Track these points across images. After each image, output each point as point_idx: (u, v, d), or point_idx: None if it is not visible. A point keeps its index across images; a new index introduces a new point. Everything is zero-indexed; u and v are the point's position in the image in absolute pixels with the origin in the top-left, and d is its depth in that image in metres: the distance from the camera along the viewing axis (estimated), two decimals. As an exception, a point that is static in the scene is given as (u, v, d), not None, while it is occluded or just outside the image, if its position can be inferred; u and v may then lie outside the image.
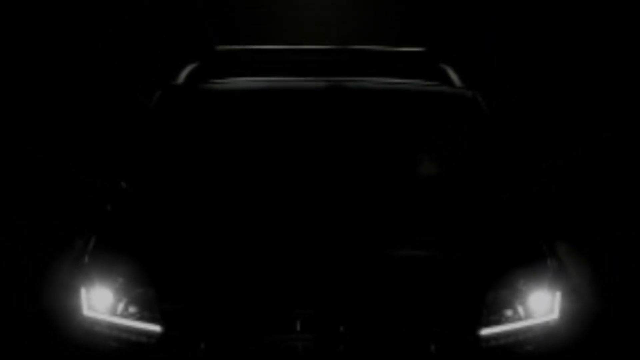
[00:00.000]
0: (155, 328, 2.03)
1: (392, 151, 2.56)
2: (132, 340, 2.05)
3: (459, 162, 2.60)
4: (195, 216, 2.29)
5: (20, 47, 5.76)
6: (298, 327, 2.00)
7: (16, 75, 5.69)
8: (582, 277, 2.20)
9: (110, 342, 2.07)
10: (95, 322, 2.06)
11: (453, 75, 2.58)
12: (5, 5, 5.77)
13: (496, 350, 2.06)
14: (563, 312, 2.17)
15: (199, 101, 2.72)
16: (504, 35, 2.90)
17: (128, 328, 2.05)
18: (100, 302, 2.06)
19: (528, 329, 2.12)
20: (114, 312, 2.05)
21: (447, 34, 2.66)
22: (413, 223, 2.21)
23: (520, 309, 2.11)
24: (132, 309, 2.06)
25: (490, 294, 2.07)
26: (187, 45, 2.24)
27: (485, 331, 2.06)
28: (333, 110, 2.16)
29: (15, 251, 2.08)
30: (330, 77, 2.11)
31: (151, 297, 2.03)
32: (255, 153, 2.55)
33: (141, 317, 2.05)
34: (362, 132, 2.57)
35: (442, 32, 2.69)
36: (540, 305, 2.14)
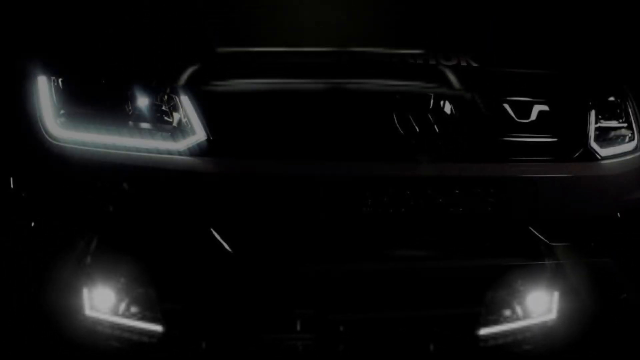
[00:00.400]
0: (157, 328, 2.05)
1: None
2: (133, 340, 2.07)
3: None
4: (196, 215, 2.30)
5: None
6: (298, 327, 2.02)
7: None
8: (581, 277, 2.21)
9: (112, 341, 2.09)
10: (97, 322, 2.08)
11: (452, 77, 2.58)
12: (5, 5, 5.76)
13: (494, 350, 2.08)
14: (561, 312, 2.20)
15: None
16: (504, 36, 2.92)
17: (130, 328, 2.07)
18: (102, 302, 2.08)
19: (526, 329, 2.14)
20: (115, 312, 2.07)
21: (446, 34, 2.67)
22: (412, 224, 2.23)
23: (518, 309, 2.14)
24: (133, 309, 2.07)
25: (488, 294, 2.10)
26: (187, 45, 2.25)
27: (484, 331, 2.08)
28: (335, 111, 2.18)
29: (15, 251, 2.08)
30: (332, 79, 2.13)
31: (152, 297, 2.04)
32: None
33: (142, 317, 2.07)
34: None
35: (441, 32, 2.70)
36: (538, 305, 2.16)
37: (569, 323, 2.23)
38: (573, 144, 2.31)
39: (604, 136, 2.41)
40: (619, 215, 2.32)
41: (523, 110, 2.27)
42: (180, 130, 2.07)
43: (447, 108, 2.19)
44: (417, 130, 2.13)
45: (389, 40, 2.42)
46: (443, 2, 2.92)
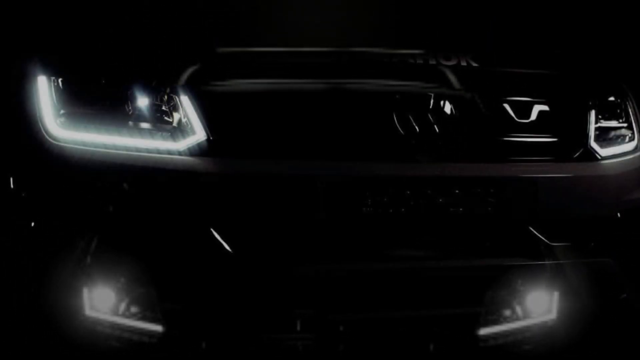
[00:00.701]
0: (157, 328, 2.05)
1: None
2: (133, 340, 2.07)
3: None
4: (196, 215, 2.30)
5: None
6: (298, 327, 2.02)
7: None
8: (581, 277, 2.21)
9: (112, 341, 2.09)
10: (97, 322, 2.08)
11: (452, 77, 2.58)
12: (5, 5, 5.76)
13: (494, 350, 2.08)
14: (561, 312, 2.20)
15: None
16: (503, 36, 2.92)
17: (130, 328, 2.07)
18: (102, 302, 2.08)
19: (526, 329, 2.14)
20: (116, 312, 2.07)
21: (446, 34, 2.67)
22: (413, 224, 2.23)
23: (518, 309, 2.14)
24: (133, 309, 2.08)
25: (488, 293, 2.10)
26: (187, 45, 2.26)
27: (484, 331, 2.08)
28: (335, 111, 2.19)
29: (15, 251, 2.08)
30: (332, 79, 2.14)
31: (152, 297, 2.04)
32: None
33: (143, 317, 2.07)
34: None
35: (441, 32, 2.70)
36: (538, 305, 2.16)
37: (569, 323, 2.23)
38: (573, 144, 2.31)
39: (604, 136, 2.41)
40: (619, 215, 2.32)
41: (523, 110, 2.28)
42: (180, 130, 2.07)
43: (447, 108, 2.19)
44: (417, 130, 2.13)
45: (389, 40, 2.43)
46: (443, 2, 2.92)
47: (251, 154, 2.05)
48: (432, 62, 2.24)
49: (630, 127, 2.48)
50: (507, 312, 2.16)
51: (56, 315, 2.07)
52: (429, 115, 2.16)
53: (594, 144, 2.34)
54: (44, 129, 2.07)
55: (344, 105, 2.13)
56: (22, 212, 2.10)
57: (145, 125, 2.09)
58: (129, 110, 2.10)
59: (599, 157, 2.32)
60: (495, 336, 2.12)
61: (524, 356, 2.20)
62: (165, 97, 2.11)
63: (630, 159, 2.40)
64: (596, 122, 2.38)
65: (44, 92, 2.10)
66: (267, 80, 2.14)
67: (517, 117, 2.26)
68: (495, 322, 2.15)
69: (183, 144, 2.05)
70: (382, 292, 2.08)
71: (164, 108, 2.11)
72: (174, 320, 2.04)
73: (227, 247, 1.98)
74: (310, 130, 2.09)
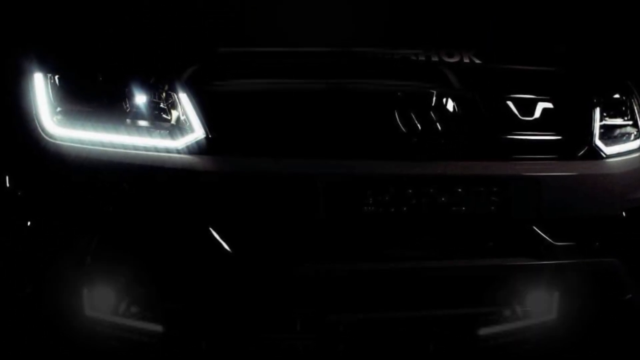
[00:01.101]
0: (157, 328, 2.04)
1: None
2: (133, 340, 2.07)
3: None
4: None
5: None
6: (298, 327, 2.01)
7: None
8: (582, 277, 2.20)
9: (112, 341, 2.09)
10: (97, 322, 2.07)
11: (452, 77, 2.57)
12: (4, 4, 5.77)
13: (494, 350, 2.07)
14: (561, 312, 2.19)
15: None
16: (506, 33, 2.91)
17: (130, 328, 2.07)
18: (102, 302, 2.07)
19: (526, 329, 2.13)
20: (116, 312, 2.07)
21: (449, 31, 2.66)
22: (414, 224, 2.22)
23: (518, 309, 2.13)
24: (133, 309, 2.07)
25: (489, 294, 2.09)
26: (187, 45, 2.26)
27: (484, 331, 2.07)
28: (335, 110, 2.19)
29: (15, 251, 2.08)
30: (332, 79, 2.13)
31: (152, 297, 2.04)
32: None
33: (143, 317, 2.06)
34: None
35: (444, 30, 2.69)
36: (539, 305, 2.15)
37: (569, 323, 2.22)
38: (577, 142, 2.30)
39: (608, 134, 2.39)
40: (623, 214, 2.30)
41: (527, 107, 2.26)
42: (178, 128, 2.06)
43: (450, 105, 2.18)
44: (419, 128, 2.12)
45: (389, 39, 2.42)
46: (445, 1, 2.91)
47: (251, 152, 2.04)
48: (435, 59, 2.23)
49: (635, 125, 2.46)
50: (507, 312, 2.15)
51: (56, 315, 2.07)
52: (431, 113, 2.15)
53: (598, 142, 2.32)
54: (41, 127, 2.06)
55: (344, 103, 2.12)
56: (19, 212, 2.10)
57: (143, 123, 2.08)
58: (127, 108, 2.09)
59: (604, 156, 2.30)
60: (495, 336, 2.11)
61: (524, 356, 2.19)
62: (164, 95, 2.10)
63: (635, 157, 2.38)
64: (601, 120, 2.36)
65: (41, 89, 2.09)
66: (267, 79, 2.14)
67: (520, 115, 2.24)
68: (496, 322, 2.14)
69: (182, 142, 2.04)
70: (383, 292, 2.06)
71: (162, 106, 2.10)
72: (174, 320, 2.04)
73: (227, 247, 1.97)
74: (310, 129, 2.08)
